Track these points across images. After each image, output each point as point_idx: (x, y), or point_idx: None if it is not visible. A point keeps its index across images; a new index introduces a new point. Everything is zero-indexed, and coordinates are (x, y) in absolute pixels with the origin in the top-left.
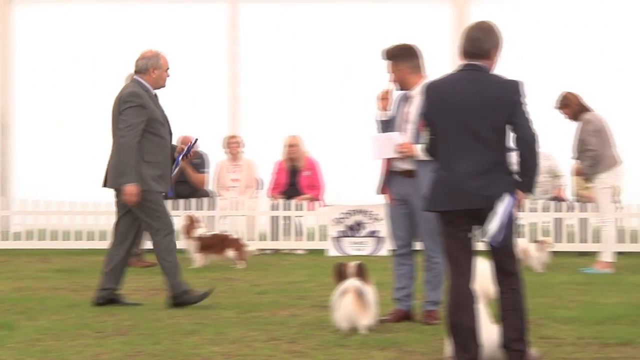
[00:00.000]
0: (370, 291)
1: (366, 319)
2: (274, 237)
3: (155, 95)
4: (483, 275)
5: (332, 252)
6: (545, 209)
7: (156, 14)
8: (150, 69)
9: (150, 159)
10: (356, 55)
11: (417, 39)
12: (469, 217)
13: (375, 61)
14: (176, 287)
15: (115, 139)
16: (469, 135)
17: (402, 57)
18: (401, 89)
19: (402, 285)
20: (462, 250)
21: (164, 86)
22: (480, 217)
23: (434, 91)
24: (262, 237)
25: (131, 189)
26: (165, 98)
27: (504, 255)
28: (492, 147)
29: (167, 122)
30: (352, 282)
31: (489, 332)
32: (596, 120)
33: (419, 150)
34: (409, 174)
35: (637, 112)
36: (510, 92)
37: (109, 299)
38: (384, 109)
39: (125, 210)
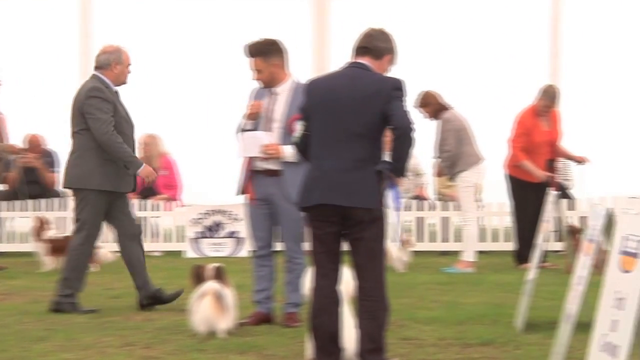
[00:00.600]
0: (229, 294)
1: (225, 323)
2: None
3: (116, 92)
4: (348, 277)
5: (190, 253)
6: (407, 208)
7: (4, 5)
8: (112, 64)
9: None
10: (215, 51)
11: (276, 34)
12: (336, 216)
13: (235, 57)
14: (67, 287)
15: (76, 138)
16: (343, 133)
17: (273, 53)
18: (268, 87)
19: (262, 287)
20: (328, 252)
21: (125, 83)
22: (347, 216)
23: (314, 88)
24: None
25: (146, 171)
26: (14, 93)
27: (366, 258)
28: (363, 144)
29: (130, 118)
30: (210, 285)
31: (353, 335)
32: (455, 119)
33: (285, 151)
34: (272, 173)
35: (497, 112)
36: (388, 87)
37: (150, 297)
38: (251, 120)
39: (107, 213)
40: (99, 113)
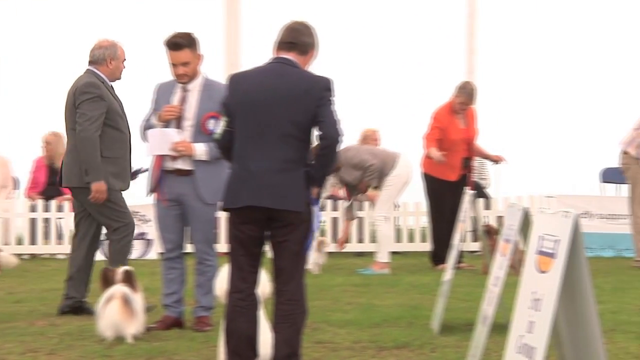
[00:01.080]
0: (137, 298)
1: (133, 327)
2: (33, 240)
3: (112, 87)
4: (265, 280)
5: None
6: (322, 208)
7: None
8: (107, 60)
9: (109, 154)
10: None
11: (187, 29)
12: (262, 219)
13: (145, 53)
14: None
15: (71, 135)
16: (271, 132)
17: (197, 45)
18: (189, 81)
19: (171, 291)
20: (249, 256)
21: (119, 78)
22: (275, 218)
23: (238, 83)
24: (19, 241)
25: (99, 186)
26: None
27: (290, 261)
28: (292, 144)
29: (125, 115)
30: (118, 288)
31: (268, 340)
32: (349, 145)
33: (196, 149)
34: (183, 172)
35: (414, 109)
36: (319, 88)
37: (75, 307)
38: (162, 122)
39: (83, 210)
40: (88, 110)
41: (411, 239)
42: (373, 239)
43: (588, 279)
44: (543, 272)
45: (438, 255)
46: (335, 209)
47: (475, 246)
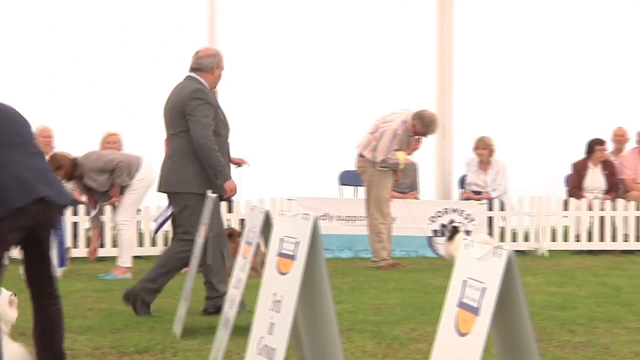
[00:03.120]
0: None
1: None
2: None
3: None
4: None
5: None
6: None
7: None
8: (214, 68)
9: None
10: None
11: None
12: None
13: None
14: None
15: (173, 140)
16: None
17: None
18: None
19: None
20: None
21: (215, 87)
22: (45, 218)
23: None
24: None
25: (231, 185)
26: None
27: (51, 273)
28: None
29: (227, 120)
30: None
31: (12, 350)
32: (89, 152)
33: None
34: None
35: (156, 110)
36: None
37: (218, 306)
38: None
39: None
40: (201, 116)
41: (153, 243)
42: (114, 244)
43: (326, 279)
44: (283, 273)
45: None
46: (75, 213)
47: None
